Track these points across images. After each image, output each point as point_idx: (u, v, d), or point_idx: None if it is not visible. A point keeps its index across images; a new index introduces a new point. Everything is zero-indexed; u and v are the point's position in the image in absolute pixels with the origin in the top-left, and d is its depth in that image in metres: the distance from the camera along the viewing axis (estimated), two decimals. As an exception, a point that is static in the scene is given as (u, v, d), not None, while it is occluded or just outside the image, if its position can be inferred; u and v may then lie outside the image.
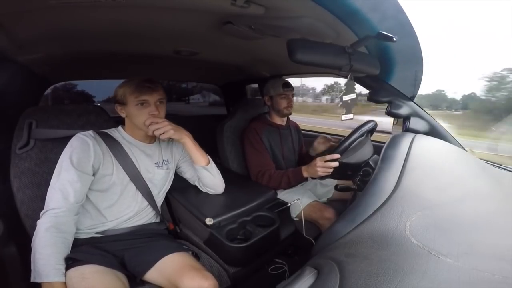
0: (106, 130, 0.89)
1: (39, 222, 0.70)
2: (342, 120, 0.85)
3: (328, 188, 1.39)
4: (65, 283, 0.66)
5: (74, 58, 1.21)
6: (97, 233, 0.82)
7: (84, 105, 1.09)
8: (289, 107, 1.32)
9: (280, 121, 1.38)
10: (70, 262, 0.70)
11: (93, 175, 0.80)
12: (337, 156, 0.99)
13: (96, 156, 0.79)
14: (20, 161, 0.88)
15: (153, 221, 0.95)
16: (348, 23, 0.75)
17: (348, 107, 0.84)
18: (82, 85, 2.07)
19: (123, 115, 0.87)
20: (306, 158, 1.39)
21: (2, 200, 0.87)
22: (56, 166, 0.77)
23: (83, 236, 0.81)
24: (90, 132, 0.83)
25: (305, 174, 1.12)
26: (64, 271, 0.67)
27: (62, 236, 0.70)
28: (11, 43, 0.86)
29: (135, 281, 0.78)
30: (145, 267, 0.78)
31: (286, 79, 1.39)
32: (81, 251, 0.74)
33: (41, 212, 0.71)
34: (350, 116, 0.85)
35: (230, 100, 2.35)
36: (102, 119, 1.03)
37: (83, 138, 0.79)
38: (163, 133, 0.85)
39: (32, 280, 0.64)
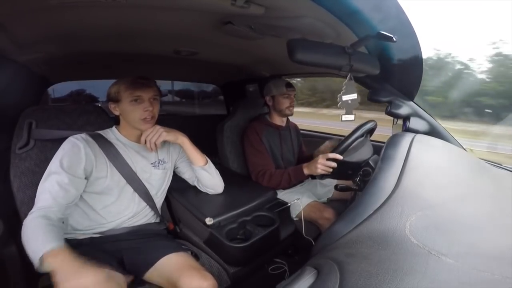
0: (100, 132, 0.88)
1: (25, 220, 0.65)
2: (342, 121, 0.84)
3: (328, 188, 1.39)
4: (64, 247, 0.59)
5: (74, 58, 1.21)
6: (96, 233, 0.82)
7: (84, 105, 1.09)
8: (291, 107, 1.32)
9: (280, 121, 1.38)
10: None
11: (86, 178, 0.79)
12: (339, 156, 0.98)
13: (88, 159, 0.78)
14: (20, 161, 0.88)
15: (152, 221, 0.95)
16: (348, 23, 0.75)
17: (349, 107, 0.82)
18: (83, 85, 2.08)
19: (116, 113, 0.87)
20: (306, 160, 1.39)
21: (2, 200, 0.87)
22: (46, 170, 0.75)
23: (81, 236, 0.81)
24: (82, 135, 0.82)
25: (305, 171, 1.11)
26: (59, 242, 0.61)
27: (50, 223, 0.65)
28: (11, 43, 0.86)
29: (135, 281, 0.78)
30: (144, 267, 0.78)
31: (287, 80, 1.39)
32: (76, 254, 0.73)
33: (29, 213, 0.68)
34: (351, 117, 0.83)
35: (230, 100, 2.35)
36: (102, 119, 1.03)
37: (74, 142, 0.79)
38: (158, 138, 0.86)
39: (36, 269, 0.57)
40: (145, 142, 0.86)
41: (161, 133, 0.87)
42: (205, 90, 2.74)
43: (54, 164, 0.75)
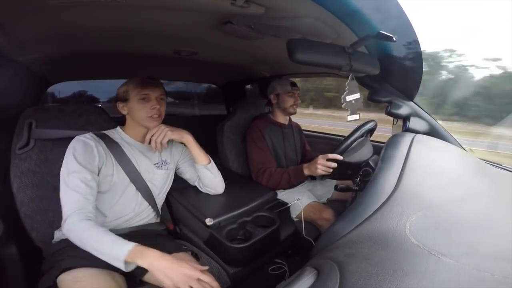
0: (104, 132, 0.88)
1: (68, 225, 0.67)
2: (348, 121, 0.84)
3: (327, 189, 1.39)
4: (136, 244, 0.64)
5: (74, 58, 1.21)
6: None
7: (84, 105, 1.09)
8: (295, 106, 1.34)
9: (283, 120, 1.38)
10: (64, 267, 0.69)
11: (98, 175, 0.80)
12: (339, 157, 0.99)
13: (100, 156, 0.80)
14: (20, 161, 0.88)
15: (153, 222, 0.95)
16: (348, 23, 0.75)
17: (353, 107, 0.82)
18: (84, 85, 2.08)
19: (124, 112, 0.88)
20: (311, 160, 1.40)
21: (2, 200, 0.87)
22: (61, 172, 0.75)
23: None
24: (90, 134, 0.83)
25: (306, 172, 1.11)
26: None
27: (97, 225, 0.69)
28: (11, 43, 0.86)
29: (135, 281, 0.78)
30: (144, 268, 0.78)
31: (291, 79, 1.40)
32: (76, 256, 0.72)
33: (64, 218, 0.68)
34: (356, 116, 0.83)
35: (230, 100, 2.35)
36: (102, 120, 1.03)
37: (84, 140, 0.79)
38: (163, 137, 0.87)
39: (119, 266, 0.62)
40: (150, 142, 0.87)
41: (166, 133, 0.87)
42: (194, 91, 2.73)
43: (70, 164, 0.75)
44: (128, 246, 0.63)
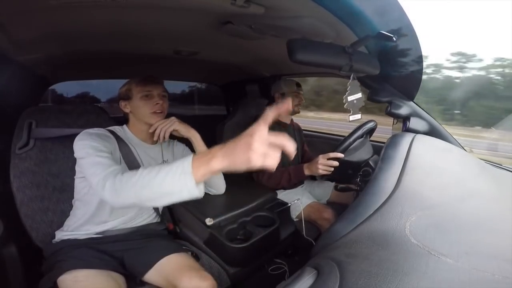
0: (112, 129, 0.86)
1: (107, 187, 0.58)
2: (350, 121, 0.85)
3: (325, 189, 1.39)
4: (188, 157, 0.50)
5: (74, 58, 1.21)
6: (97, 233, 0.82)
7: (84, 105, 1.09)
8: (299, 105, 1.36)
9: (286, 119, 1.39)
10: (64, 268, 0.70)
11: None
12: (340, 155, 0.99)
13: (113, 150, 0.77)
14: (19, 161, 0.88)
15: (153, 222, 0.95)
16: (348, 23, 0.75)
17: (355, 107, 0.83)
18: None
19: (127, 110, 0.87)
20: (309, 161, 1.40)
21: (2, 200, 0.87)
22: (76, 155, 0.70)
23: (83, 236, 0.81)
24: (99, 128, 0.80)
25: (306, 172, 1.11)
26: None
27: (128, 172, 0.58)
28: (11, 43, 0.86)
29: (135, 281, 0.78)
30: (144, 268, 0.78)
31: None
32: (76, 257, 0.73)
33: (103, 183, 0.59)
34: (358, 116, 0.84)
35: (230, 100, 2.35)
36: (102, 119, 1.03)
37: (96, 131, 0.76)
38: (170, 126, 0.86)
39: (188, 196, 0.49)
40: (155, 131, 0.86)
41: (174, 122, 0.87)
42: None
43: (82, 146, 0.70)
44: (188, 159, 0.49)
